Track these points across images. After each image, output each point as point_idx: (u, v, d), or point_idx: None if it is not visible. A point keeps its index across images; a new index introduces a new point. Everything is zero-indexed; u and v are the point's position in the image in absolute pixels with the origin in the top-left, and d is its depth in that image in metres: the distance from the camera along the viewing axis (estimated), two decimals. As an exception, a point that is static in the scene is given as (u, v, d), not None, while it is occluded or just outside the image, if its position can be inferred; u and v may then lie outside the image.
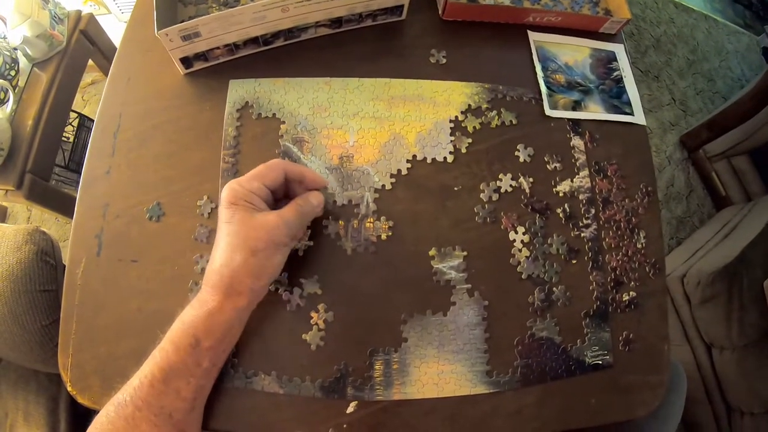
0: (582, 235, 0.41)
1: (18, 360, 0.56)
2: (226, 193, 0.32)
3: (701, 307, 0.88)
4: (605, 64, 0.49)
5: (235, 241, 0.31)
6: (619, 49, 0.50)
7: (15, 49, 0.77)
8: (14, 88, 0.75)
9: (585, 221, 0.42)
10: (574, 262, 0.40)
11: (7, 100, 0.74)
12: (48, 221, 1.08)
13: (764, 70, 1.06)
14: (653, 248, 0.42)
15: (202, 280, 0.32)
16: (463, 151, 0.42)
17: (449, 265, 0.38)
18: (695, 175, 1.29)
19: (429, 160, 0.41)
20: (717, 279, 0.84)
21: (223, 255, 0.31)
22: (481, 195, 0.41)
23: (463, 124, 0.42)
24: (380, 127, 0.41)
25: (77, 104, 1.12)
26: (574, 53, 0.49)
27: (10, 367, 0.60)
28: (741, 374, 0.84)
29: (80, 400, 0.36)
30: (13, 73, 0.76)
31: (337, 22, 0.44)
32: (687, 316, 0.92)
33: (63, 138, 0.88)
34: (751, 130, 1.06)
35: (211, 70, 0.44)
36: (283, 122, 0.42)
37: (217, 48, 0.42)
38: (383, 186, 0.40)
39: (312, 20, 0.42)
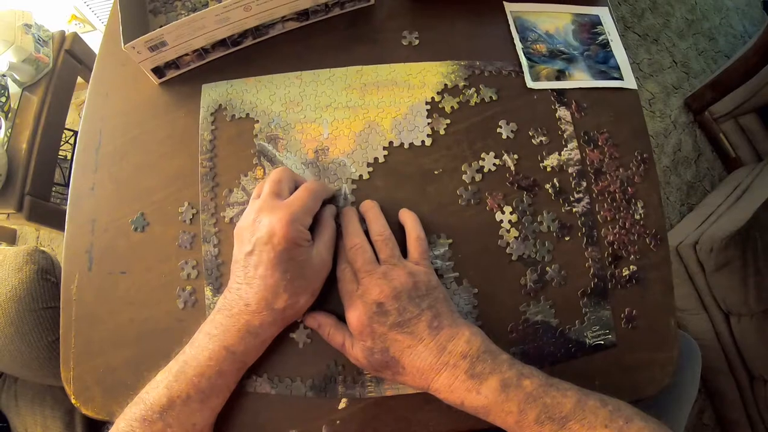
0: (574, 209, 0.40)
1: (30, 377, 0.58)
2: (285, 228, 0.30)
3: (716, 273, 0.85)
4: (589, 29, 0.47)
5: (301, 285, 0.32)
6: (603, 12, 0.48)
7: (4, 75, 0.78)
8: (6, 113, 0.77)
9: (576, 195, 0.40)
10: (567, 239, 0.39)
11: (0, 127, 0.75)
12: (56, 240, 1.11)
13: (765, 24, 1.01)
14: (653, 218, 0.40)
15: (247, 309, 0.31)
16: (442, 132, 0.40)
17: (435, 254, 0.37)
18: (703, 137, 1.24)
19: (406, 146, 0.40)
20: (730, 244, 0.81)
21: (286, 297, 0.31)
22: (464, 176, 0.39)
23: (440, 105, 0.41)
24: (354, 117, 0.41)
25: (74, 122, 1.14)
26: (554, 20, 0.47)
27: (27, 384, 0.61)
28: (761, 341, 0.81)
29: (84, 411, 0.37)
30: (3, 99, 0.77)
31: (304, 14, 0.43)
32: (702, 284, 0.89)
33: (60, 156, 0.89)
34: (757, 86, 1.01)
35: (184, 77, 0.43)
36: (257, 121, 0.41)
37: (187, 54, 0.42)
38: (360, 176, 0.39)
39: (278, 15, 0.41)
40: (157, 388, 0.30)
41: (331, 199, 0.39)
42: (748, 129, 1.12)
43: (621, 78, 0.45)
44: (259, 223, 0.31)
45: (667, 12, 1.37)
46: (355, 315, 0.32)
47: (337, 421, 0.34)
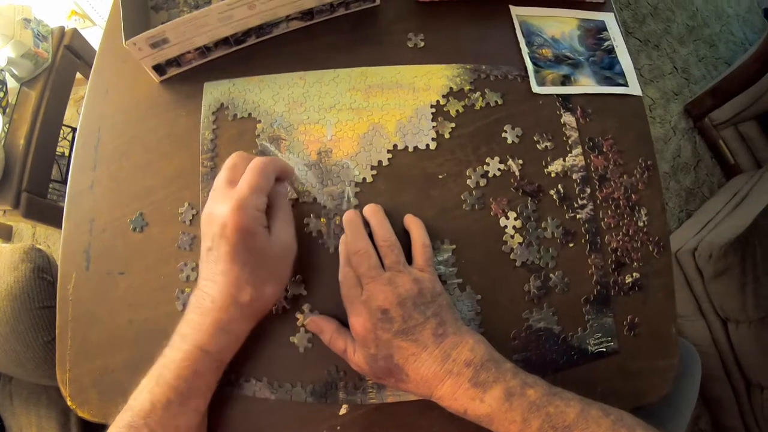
0: (578, 216, 0.40)
1: (25, 376, 0.57)
2: (235, 217, 0.29)
3: (714, 280, 0.85)
4: (595, 34, 0.47)
5: (263, 274, 0.31)
6: (608, 18, 0.48)
7: (2, 70, 0.77)
8: (4, 109, 0.76)
9: (580, 201, 0.40)
10: (570, 245, 0.39)
11: (-3, 122, 0.75)
12: (52, 237, 1.10)
13: (766, 32, 1.01)
14: (656, 225, 0.40)
15: (214, 306, 0.30)
16: (447, 136, 0.40)
17: (438, 260, 0.37)
18: (702, 144, 1.24)
19: (411, 149, 0.40)
20: (729, 251, 0.81)
21: (251, 290, 0.30)
22: (468, 181, 0.39)
23: (445, 109, 0.41)
24: (358, 119, 0.40)
25: (72, 118, 1.13)
26: (560, 25, 0.46)
27: (21, 383, 0.60)
28: (759, 348, 0.81)
29: (80, 413, 0.36)
30: (1, 94, 0.76)
31: (309, 14, 0.42)
32: (700, 291, 0.89)
33: (58, 153, 0.88)
34: (757, 94, 1.01)
35: (186, 75, 0.43)
36: (259, 121, 0.41)
37: (189, 52, 0.41)
38: (364, 179, 0.39)
39: (282, 14, 0.41)
40: (141, 393, 0.30)
41: (334, 201, 0.38)
42: (748, 136, 1.12)
43: (626, 84, 0.45)
44: (213, 214, 0.30)
45: (669, 18, 1.38)
46: (359, 321, 0.31)
47: (338, 427, 0.34)
